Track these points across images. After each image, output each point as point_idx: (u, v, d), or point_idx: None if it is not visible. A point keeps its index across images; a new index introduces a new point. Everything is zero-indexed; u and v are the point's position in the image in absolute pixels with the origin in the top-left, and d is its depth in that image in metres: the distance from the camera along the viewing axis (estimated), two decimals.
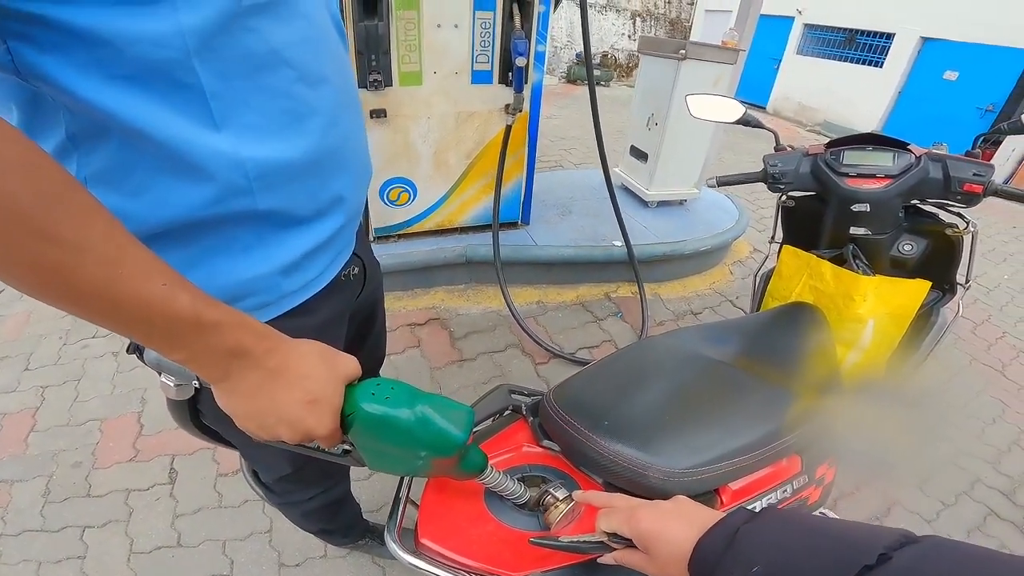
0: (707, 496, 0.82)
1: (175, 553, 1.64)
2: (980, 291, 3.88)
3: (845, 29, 10.22)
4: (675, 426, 0.84)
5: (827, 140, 1.42)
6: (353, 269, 0.87)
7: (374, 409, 0.57)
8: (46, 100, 0.49)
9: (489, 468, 0.71)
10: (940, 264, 1.37)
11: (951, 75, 8.66)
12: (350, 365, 0.60)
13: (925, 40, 8.93)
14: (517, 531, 0.76)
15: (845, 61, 10.30)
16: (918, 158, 1.28)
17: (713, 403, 0.90)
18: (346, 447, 0.63)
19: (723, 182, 1.46)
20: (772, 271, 1.57)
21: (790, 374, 1.03)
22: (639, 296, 2.95)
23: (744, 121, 1.50)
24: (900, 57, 9.25)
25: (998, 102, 8.00)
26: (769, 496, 0.88)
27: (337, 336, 0.88)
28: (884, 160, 1.30)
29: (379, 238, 2.91)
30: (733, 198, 3.99)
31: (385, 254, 2.77)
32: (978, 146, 1.31)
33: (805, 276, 1.42)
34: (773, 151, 1.48)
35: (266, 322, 0.60)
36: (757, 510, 0.54)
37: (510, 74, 2.54)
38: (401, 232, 2.94)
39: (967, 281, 1.38)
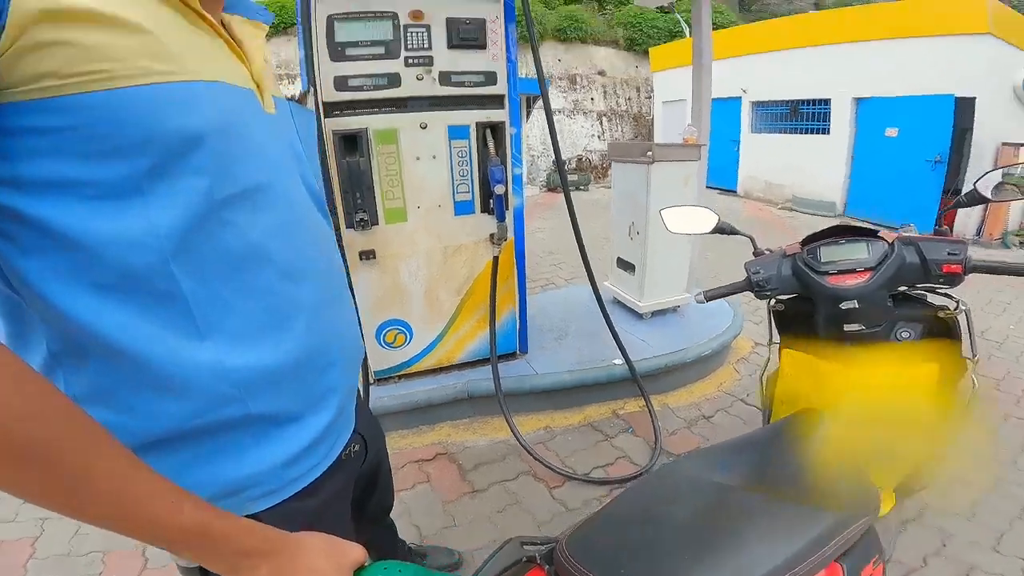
0: None
1: None
2: (991, 346, 3.83)
3: (787, 101, 10.44)
4: (697, 568, 0.78)
5: (802, 239, 1.44)
6: (354, 447, 0.86)
7: None
8: (29, 314, 0.50)
9: None
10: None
11: (892, 132, 8.52)
12: (355, 553, 0.60)
13: (858, 100, 9.02)
14: None
15: (795, 132, 10.38)
16: (891, 244, 1.30)
17: (734, 534, 0.85)
18: None
19: (711, 296, 1.46)
20: (776, 372, 1.54)
21: (810, 488, 0.98)
22: (647, 410, 2.88)
23: (720, 229, 1.54)
24: (841, 120, 9.30)
25: (943, 151, 7.80)
26: None
27: (342, 510, 0.85)
28: (859, 252, 1.32)
29: (379, 380, 2.88)
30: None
31: (386, 395, 2.74)
32: (943, 223, 1.35)
33: (809, 379, 1.39)
34: (752, 256, 1.51)
35: (270, 507, 0.62)
36: None
37: (491, 202, 2.61)
38: (400, 373, 2.91)
39: (974, 356, 1.35)
